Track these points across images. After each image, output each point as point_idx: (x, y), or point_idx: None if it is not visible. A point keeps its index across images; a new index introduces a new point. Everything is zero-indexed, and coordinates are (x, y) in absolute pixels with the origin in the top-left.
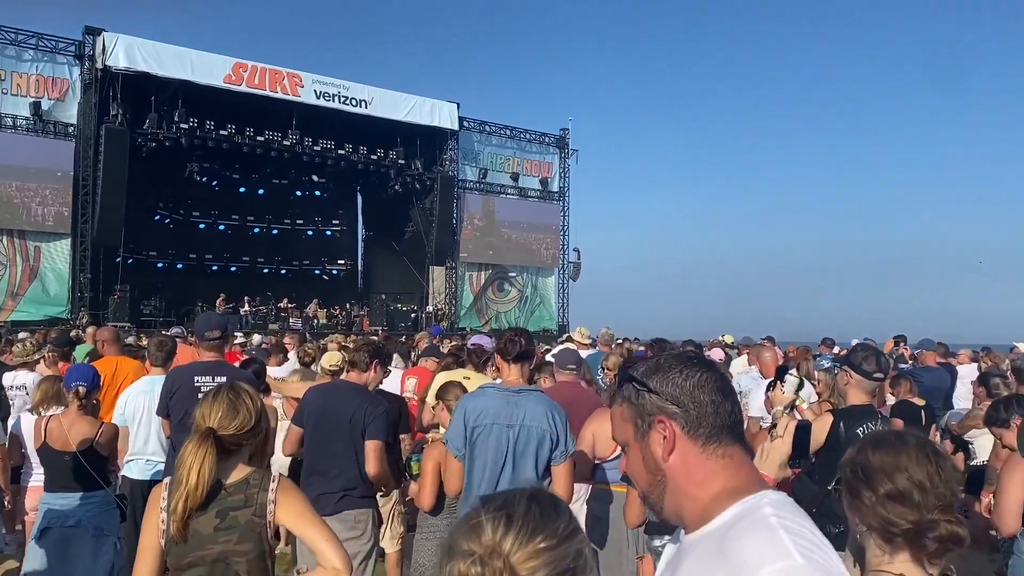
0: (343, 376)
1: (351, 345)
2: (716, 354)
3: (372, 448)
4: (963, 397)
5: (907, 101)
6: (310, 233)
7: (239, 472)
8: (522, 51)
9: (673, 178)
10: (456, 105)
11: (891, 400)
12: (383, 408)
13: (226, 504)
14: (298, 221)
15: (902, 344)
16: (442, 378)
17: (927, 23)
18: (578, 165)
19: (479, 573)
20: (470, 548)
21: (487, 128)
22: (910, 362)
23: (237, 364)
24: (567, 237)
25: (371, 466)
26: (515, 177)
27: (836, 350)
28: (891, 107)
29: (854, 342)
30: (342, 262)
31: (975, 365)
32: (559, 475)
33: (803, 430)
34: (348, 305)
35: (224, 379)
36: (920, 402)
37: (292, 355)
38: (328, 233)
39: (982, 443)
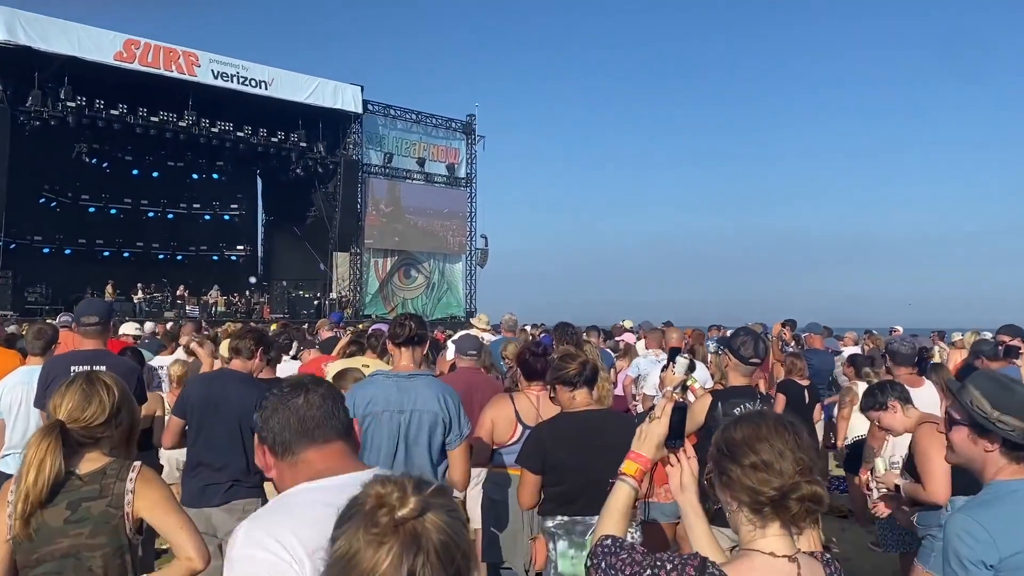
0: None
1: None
2: (628, 337)
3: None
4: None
5: (800, 89)
6: (207, 218)
7: (95, 462)
8: (428, 35)
9: (579, 165)
10: (360, 88)
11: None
12: None
13: (78, 495)
14: (195, 205)
15: (787, 327)
16: (339, 365)
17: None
18: (485, 151)
19: (389, 491)
20: (380, 482)
21: (392, 112)
22: (792, 344)
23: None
24: (474, 223)
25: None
26: (421, 162)
27: (728, 333)
28: (778, 94)
29: (749, 325)
30: (241, 248)
31: (858, 347)
32: (455, 460)
33: (679, 411)
34: (248, 292)
35: (104, 368)
36: (805, 382)
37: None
38: (226, 218)
39: (850, 423)
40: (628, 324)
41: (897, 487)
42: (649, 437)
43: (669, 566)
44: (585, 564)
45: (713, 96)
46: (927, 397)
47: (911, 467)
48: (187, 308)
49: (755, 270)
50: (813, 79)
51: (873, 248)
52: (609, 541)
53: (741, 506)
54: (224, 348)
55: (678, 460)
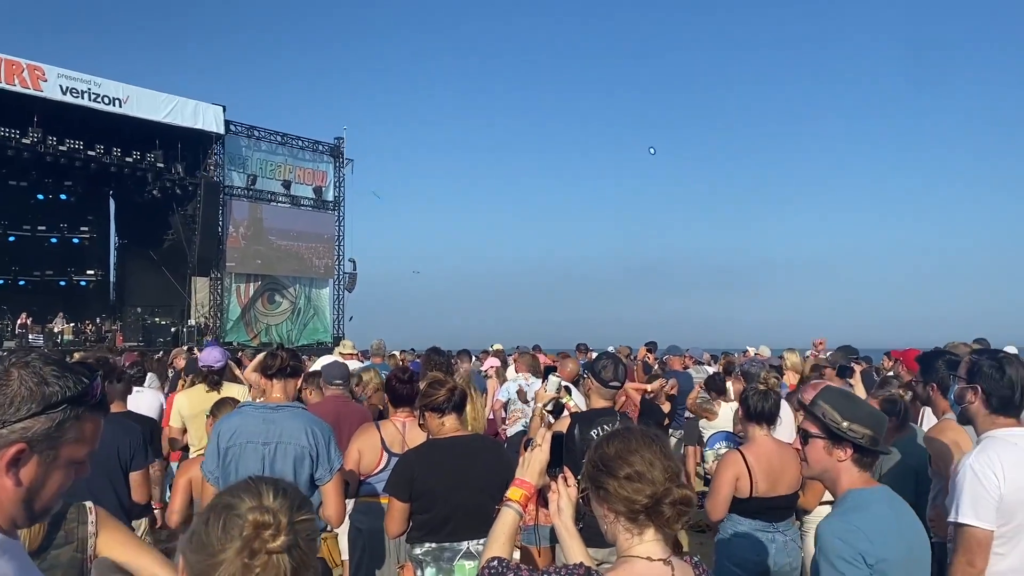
0: None
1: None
2: (491, 361)
3: (139, 479)
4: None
5: (671, 121)
6: (54, 240)
7: None
8: (296, 56)
9: (451, 187)
10: (222, 108)
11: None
12: (139, 434)
13: (44, 543)
14: (40, 227)
15: (651, 351)
16: (183, 397)
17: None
18: (354, 175)
19: (267, 522)
20: (257, 504)
21: (256, 133)
22: (655, 366)
23: None
24: (342, 247)
25: (141, 495)
26: (287, 185)
27: (593, 354)
28: (653, 124)
29: (611, 348)
30: (91, 272)
31: (712, 367)
32: (328, 495)
33: (558, 439)
34: (98, 319)
35: None
36: (666, 405)
37: None
38: (75, 241)
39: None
40: (497, 347)
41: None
42: (532, 464)
43: None
44: None
45: (591, 119)
46: (785, 416)
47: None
48: (30, 337)
49: (624, 294)
50: (688, 114)
51: (729, 275)
52: (495, 562)
53: (618, 516)
54: None
55: (557, 486)
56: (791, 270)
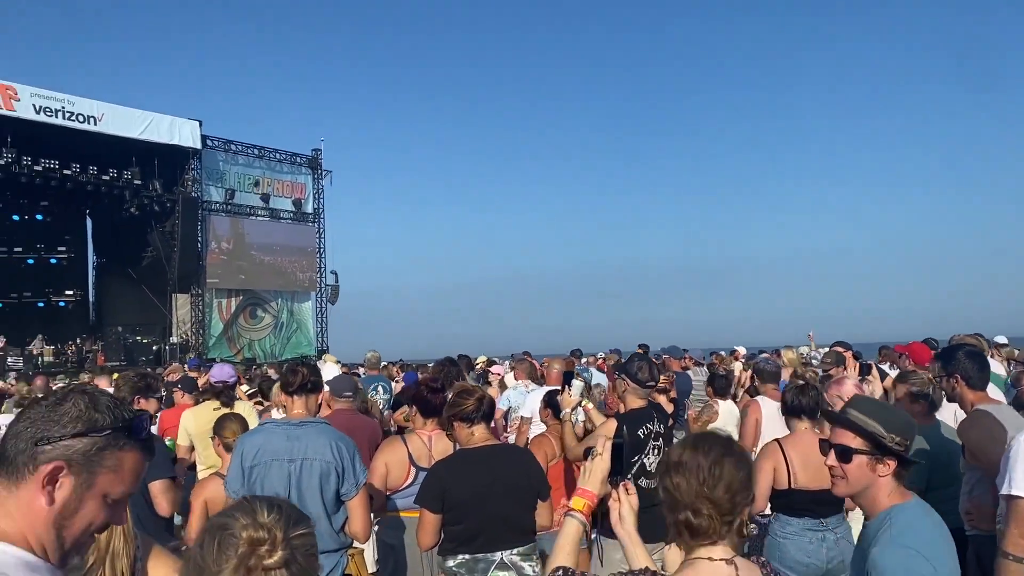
0: None
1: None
2: (497, 369)
3: (159, 489)
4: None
5: (646, 127)
6: (31, 261)
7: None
8: (271, 68)
9: (432, 196)
10: (198, 123)
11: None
12: (160, 442)
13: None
14: (16, 248)
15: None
16: (190, 415)
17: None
18: (333, 186)
19: (262, 538)
20: (251, 521)
21: (233, 147)
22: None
23: None
24: (323, 259)
25: (165, 506)
26: (265, 198)
27: (584, 360)
28: (628, 131)
29: (600, 354)
30: (70, 293)
31: (704, 367)
32: (354, 510)
33: (619, 448)
34: (79, 340)
35: None
36: (669, 407)
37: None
38: (53, 261)
39: None
40: (482, 360)
41: None
42: (594, 473)
43: None
44: None
45: (577, 124)
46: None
47: None
48: (9, 360)
49: (610, 298)
50: (671, 121)
51: (714, 275)
52: (560, 572)
53: (698, 515)
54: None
55: (619, 495)
56: (762, 270)
